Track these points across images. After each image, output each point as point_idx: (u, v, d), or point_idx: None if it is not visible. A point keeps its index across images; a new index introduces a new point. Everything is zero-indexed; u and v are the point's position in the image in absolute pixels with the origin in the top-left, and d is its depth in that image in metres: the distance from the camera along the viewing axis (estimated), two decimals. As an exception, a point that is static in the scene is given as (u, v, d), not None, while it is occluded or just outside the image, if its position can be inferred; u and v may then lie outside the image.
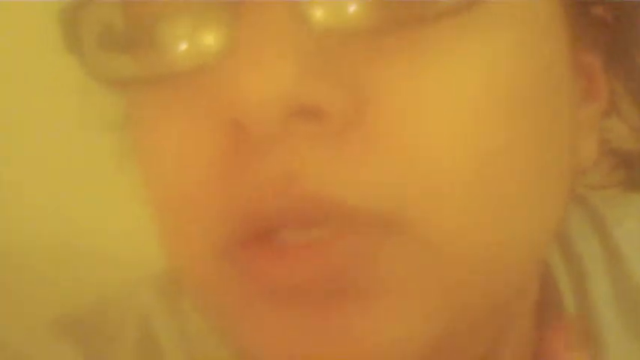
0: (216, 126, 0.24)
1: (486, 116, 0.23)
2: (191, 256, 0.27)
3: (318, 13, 0.23)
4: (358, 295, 0.24)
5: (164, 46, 0.25)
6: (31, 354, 0.39)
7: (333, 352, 0.24)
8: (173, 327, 0.38)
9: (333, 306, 0.24)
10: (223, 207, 0.24)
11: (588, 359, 0.28)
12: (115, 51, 0.26)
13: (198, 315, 0.36)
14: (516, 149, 0.24)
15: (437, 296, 0.24)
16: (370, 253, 0.23)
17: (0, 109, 0.86)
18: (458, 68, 0.23)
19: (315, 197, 0.23)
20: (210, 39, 0.24)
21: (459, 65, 0.23)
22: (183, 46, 0.25)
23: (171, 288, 0.38)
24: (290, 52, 0.22)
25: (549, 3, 0.25)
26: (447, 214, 0.23)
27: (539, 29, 0.25)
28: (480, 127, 0.23)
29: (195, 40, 0.25)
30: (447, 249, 0.24)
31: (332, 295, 0.23)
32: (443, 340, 0.25)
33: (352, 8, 0.23)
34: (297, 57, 0.22)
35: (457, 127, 0.23)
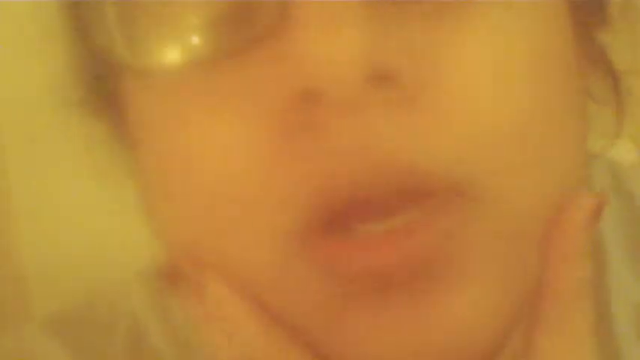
0: (273, 105, 0.23)
1: (531, 79, 0.25)
2: (252, 251, 0.24)
3: None
4: (443, 281, 0.24)
5: (207, 28, 0.24)
6: (20, 352, 0.39)
7: (425, 341, 0.24)
8: (162, 324, 0.37)
9: (420, 293, 0.23)
10: (292, 191, 0.23)
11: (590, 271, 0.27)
12: (161, 38, 0.25)
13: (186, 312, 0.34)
14: (553, 105, 0.25)
15: (508, 279, 0.25)
16: (451, 234, 0.23)
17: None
18: (505, 36, 0.24)
19: (392, 165, 0.23)
20: (261, 11, 0.23)
21: (505, 33, 0.24)
22: (229, 24, 0.24)
23: (160, 286, 0.36)
24: (358, 17, 0.22)
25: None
26: (511, 173, 0.24)
27: (555, 5, 0.27)
28: (528, 89, 0.24)
29: (242, 16, 0.24)
30: (513, 209, 0.24)
31: (418, 282, 0.23)
32: (507, 330, 0.25)
33: None
34: (365, 22, 0.22)
35: (511, 90, 0.24)
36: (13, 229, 0.94)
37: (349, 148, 0.22)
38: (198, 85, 0.25)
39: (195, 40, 0.24)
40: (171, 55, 0.25)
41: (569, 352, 0.25)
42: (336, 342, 0.25)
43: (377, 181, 0.23)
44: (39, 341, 0.38)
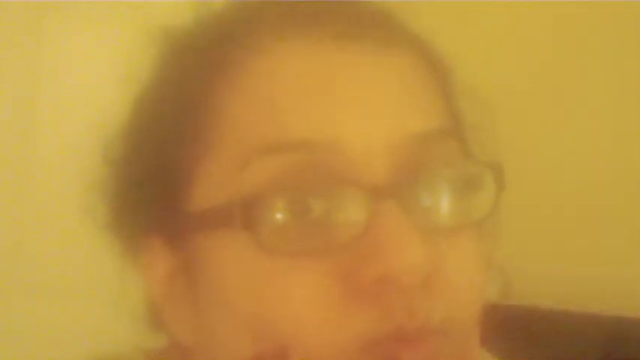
0: (356, 281, 0.39)
1: (479, 273, 0.44)
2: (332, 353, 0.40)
3: (418, 216, 0.41)
4: None
5: (317, 229, 0.40)
6: None
7: None
8: None
9: None
10: (362, 327, 0.39)
11: None
12: (293, 228, 0.40)
13: None
14: (482, 286, 0.44)
15: None
16: (437, 353, 0.40)
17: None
18: (472, 249, 0.43)
19: (421, 321, 0.40)
20: (357, 219, 0.40)
21: (472, 248, 0.43)
22: (343, 226, 0.40)
23: None
24: (421, 240, 0.39)
25: None
26: (467, 320, 0.43)
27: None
28: (479, 280, 0.44)
29: (346, 221, 0.40)
30: (463, 337, 0.43)
31: None
32: None
33: (429, 219, 0.42)
34: (424, 244, 0.39)
35: (473, 282, 0.43)
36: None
37: (398, 310, 0.39)
38: (300, 260, 0.40)
39: (308, 235, 0.40)
40: (291, 245, 0.40)
41: None
42: None
43: (408, 327, 0.40)
44: None
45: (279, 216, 0.40)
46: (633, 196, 1.49)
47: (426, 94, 0.44)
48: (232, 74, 0.43)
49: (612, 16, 1.51)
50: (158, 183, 0.44)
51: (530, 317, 1.41)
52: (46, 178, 1.65)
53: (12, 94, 1.74)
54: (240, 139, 0.41)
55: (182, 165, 0.43)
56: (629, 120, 1.52)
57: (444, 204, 0.42)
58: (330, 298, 0.39)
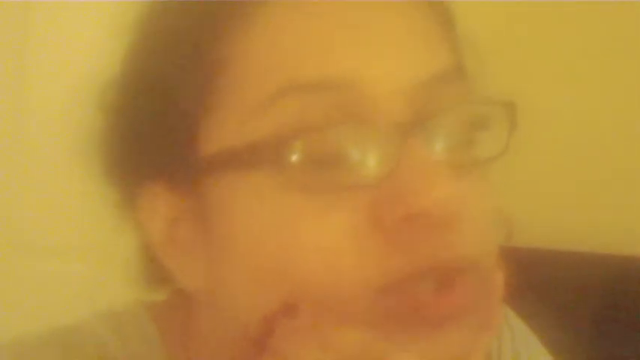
0: (384, 216, 0.40)
1: (491, 212, 0.44)
2: (348, 296, 0.40)
3: (441, 153, 0.42)
4: (460, 320, 0.41)
5: (344, 167, 0.40)
6: None
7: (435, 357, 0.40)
8: (126, 351, 0.47)
9: (444, 329, 0.40)
10: (392, 263, 0.40)
11: None
12: (318, 168, 0.40)
13: (147, 345, 0.48)
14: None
15: (486, 315, 0.43)
16: (470, 294, 0.41)
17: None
18: (485, 189, 0.44)
19: (452, 256, 0.40)
20: (374, 161, 0.40)
21: (485, 187, 0.44)
22: (370, 165, 0.40)
23: (125, 323, 0.48)
24: (449, 175, 0.40)
25: None
26: (490, 256, 0.44)
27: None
28: (491, 219, 0.44)
29: (372, 160, 0.40)
30: (490, 276, 0.43)
31: (449, 322, 0.40)
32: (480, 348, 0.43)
33: (451, 153, 0.42)
34: (451, 179, 0.40)
35: (487, 223, 0.44)
36: None
37: (424, 251, 0.40)
38: (322, 192, 0.40)
39: (335, 169, 0.40)
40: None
41: None
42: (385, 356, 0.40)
43: (439, 263, 0.40)
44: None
45: (306, 154, 0.40)
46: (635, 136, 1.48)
47: (437, 35, 0.45)
48: (245, 21, 0.42)
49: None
50: (162, 130, 0.44)
51: (533, 259, 1.42)
52: (40, 132, 1.64)
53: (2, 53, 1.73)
54: (260, 82, 0.41)
55: (190, 112, 0.43)
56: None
57: (461, 142, 0.43)
58: (359, 237, 0.40)
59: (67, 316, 0.49)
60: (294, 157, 0.40)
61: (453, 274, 0.40)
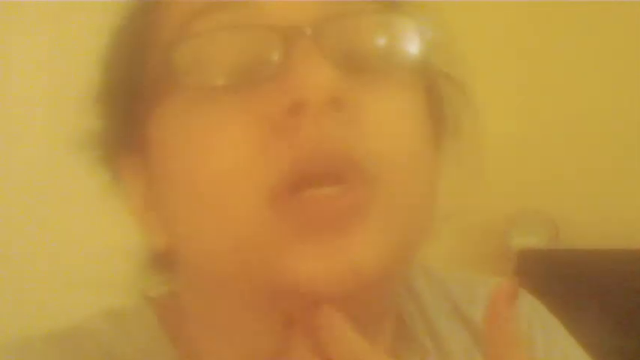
0: (272, 113, 0.40)
1: (412, 126, 0.44)
2: (244, 207, 0.40)
3: (336, 55, 0.41)
4: (355, 229, 0.40)
5: (239, 69, 0.41)
6: None
7: (337, 267, 0.39)
8: (131, 351, 0.47)
9: (341, 237, 0.40)
10: (274, 164, 0.39)
11: None
12: (204, 66, 0.42)
13: (152, 342, 0.48)
14: (421, 148, 0.44)
15: (393, 233, 0.41)
16: (364, 199, 0.40)
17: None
18: (400, 99, 0.44)
19: (337, 150, 0.40)
20: (270, 63, 0.41)
21: (400, 98, 0.44)
22: (251, 68, 0.41)
23: (129, 320, 0.49)
24: (331, 67, 0.40)
25: (421, 100, 0.46)
26: (401, 171, 0.42)
27: (421, 109, 0.46)
28: (411, 130, 0.43)
29: (260, 65, 0.41)
30: (400, 194, 0.42)
31: (341, 229, 0.40)
32: (385, 270, 0.41)
33: (350, 59, 0.42)
34: (334, 71, 0.40)
35: (403, 127, 0.43)
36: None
37: (311, 142, 0.40)
38: (220, 103, 0.41)
39: (231, 70, 0.42)
40: (216, 78, 0.42)
41: None
42: (290, 270, 0.40)
43: (325, 162, 0.40)
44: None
45: (202, 56, 0.42)
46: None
47: None
48: None
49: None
50: (123, 105, 0.47)
51: (579, 259, 1.40)
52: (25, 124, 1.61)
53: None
54: (175, 15, 0.44)
55: (144, 83, 0.45)
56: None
57: (366, 47, 0.43)
58: (252, 139, 0.40)
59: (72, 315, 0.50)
60: (184, 65, 0.42)
61: (346, 170, 0.40)
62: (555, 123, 1.50)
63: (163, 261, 0.48)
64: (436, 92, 0.48)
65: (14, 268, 1.49)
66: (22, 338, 0.47)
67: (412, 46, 0.44)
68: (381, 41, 0.43)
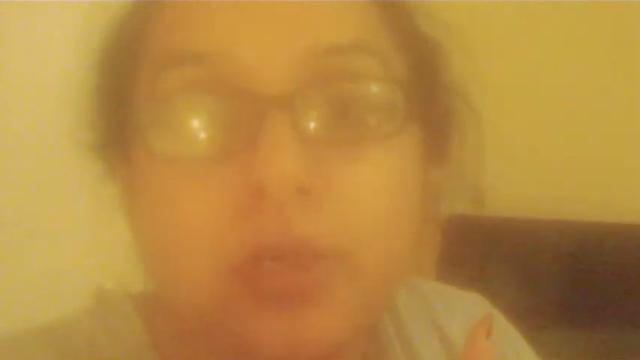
0: (237, 191, 0.39)
1: (387, 196, 0.42)
2: (205, 276, 0.40)
3: (309, 128, 0.40)
4: (314, 303, 0.39)
5: (208, 138, 0.40)
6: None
7: (297, 338, 0.39)
8: (113, 343, 0.49)
9: (300, 310, 0.39)
10: (239, 241, 0.39)
11: None
12: (169, 135, 0.41)
13: (133, 338, 0.49)
14: (398, 211, 0.42)
15: (356, 303, 0.41)
16: (325, 277, 0.40)
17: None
18: (376, 170, 0.41)
19: (299, 238, 0.39)
20: (240, 134, 0.39)
21: (376, 168, 0.41)
22: (220, 137, 0.40)
23: (112, 316, 0.50)
24: (297, 153, 0.38)
25: (413, 138, 0.44)
26: (369, 246, 0.41)
27: (410, 155, 0.44)
28: (385, 201, 0.41)
29: (229, 134, 0.40)
30: (366, 267, 0.41)
31: (301, 303, 0.39)
32: (352, 334, 0.42)
33: (327, 129, 0.40)
34: (299, 156, 0.38)
35: (375, 201, 0.41)
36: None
37: (272, 227, 0.39)
38: (191, 169, 0.40)
39: (200, 141, 0.40)
40: (182, 149, 0.41)
41: None
42: (251, 337, 0.40)
43: (286, 247, 0.39)
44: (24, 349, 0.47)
45: (169, 123, 0.41)
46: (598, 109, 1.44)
47: (344, 6, 0.43)
48: (155, 7, 0.45)
49: None
50: (115, 106, 0.46)
51: (503, 227, 1.43)
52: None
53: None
54: (154, 60, 0.43)
55: (126, 87, 0.45)
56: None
57: (344, 119, 0.41)
58: (212, 213, 0.40)
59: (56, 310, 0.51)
60: (157, 124, 0.41)
61: (301, 257, 0.39)
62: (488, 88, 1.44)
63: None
64: (436, 115, 0.47)
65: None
66: (8, 333, 0.48)
67: (395, 115, 0.42)
68: (362, 112, 0.41)
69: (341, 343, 0.41)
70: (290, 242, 0.39)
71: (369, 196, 0.41)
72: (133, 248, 0.47)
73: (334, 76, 0.41)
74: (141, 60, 0.44)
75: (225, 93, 0.40)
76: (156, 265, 0.44)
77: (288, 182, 0.38)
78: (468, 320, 0.56)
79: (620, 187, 1.46)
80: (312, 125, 0.40)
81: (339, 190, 0.40)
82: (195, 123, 0.40)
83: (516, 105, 1.44)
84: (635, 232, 1.39)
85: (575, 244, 1.39)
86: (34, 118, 1.56)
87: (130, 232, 0.47)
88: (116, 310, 0.50)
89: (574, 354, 1.08)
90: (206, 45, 0.41)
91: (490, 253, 1.40)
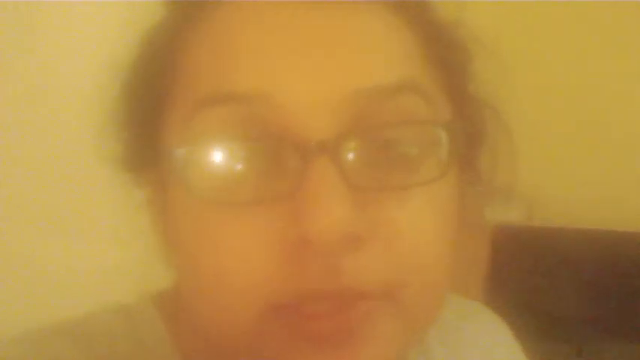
0: (283, 238, 0.38)
1: (433, 235, 0.41)
2: (244, 313, 0.40)
3: (355, 174, 0.39)
4: (358, 340, 0.39)
5: (251, 182, 0.39)
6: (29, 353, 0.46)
7: None
8: (133, 342, 0.49)
9: (345, 347, 0.39)
10: (282, 283, 0.39)
11: None
12: (209, 177, 0.40)
13: (154, 338, 0.49)
14: (442, 244, 0.42)
15: (400, 337, 0.41)
16: (370, 315, 0.39)
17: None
18: (422, 212, 0.40)
19: (345, 283, 0.38)
20: (283, 179, 0.39)
21: (423, 211, 0.40)
22: (262, 182, 0.39)
23: (133, 315, 0.50)
24: (344, 201, 0.37)
25: (455, 175, 0.44)
26: (414, 283, 0.40)
27: (453, 189, 0.43)
28: (431, 240, 0.41)
29: (272, 179, 0.39)
30: (411, 303, 0.41)
31: (345, 340, 0.39)
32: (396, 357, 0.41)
33: (372, 174, 0.40)
34: (345, 204, 0.37)
35: (422, 242, 0.40)
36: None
37: (319, 274, 0.38)
38: (234, 213, 0.40)
39: (242, 185, 0.39)
40: (223, 192, 0.40)
41: None
42: None
43: (331, 289, 0.38)
44: (47, 343, 0.46)
45: (211, 167, 0.40)
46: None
47: (388, 46, 0.42)
48: (193, 30, 0.43)
49: None
50: (145, 126, 0.46)
51: (552, 237, 1.42)
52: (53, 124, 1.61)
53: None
54: (191, 92, 0.42)
55: (159, 112, 0.44)
56: None
57: (390, 163, 0.40)
58: (257, 255, 0.39)
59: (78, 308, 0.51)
60: (200, 168, 0.40)
61: (346, 299, 0.39)
62: (531, 98, 1.44)
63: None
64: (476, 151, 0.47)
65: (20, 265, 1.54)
66: (32, 329, 0.48)
67: (442, 156, 0.41)
68: (409, 155, 0.41)
69: None
70: (336, 287, 0.39)
71: (415, 238, 0.40)
72: (162, 255, 0.47)
73: (380, 119, 0.40)
74: (177, 83, 0.43)
75: (267, 137, 0.39)
76: (191, 288, 0.43)
77: (335, 231, 0.37)
78: (477, 330, 0.60)
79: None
80: (357, 170, 0.39)
81: (385, 234, 0.39)
82: (238, 167, 0.40)
83: (568, 117, 1.43)
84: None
85: (631, 256, 1.37)
86: (56, 118, 1.58)
87: (163, 249, 0.47)
88: (138, 309, 0.50)
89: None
90: (248, 85, 0.39)
91: (547, 264, 1.39)
